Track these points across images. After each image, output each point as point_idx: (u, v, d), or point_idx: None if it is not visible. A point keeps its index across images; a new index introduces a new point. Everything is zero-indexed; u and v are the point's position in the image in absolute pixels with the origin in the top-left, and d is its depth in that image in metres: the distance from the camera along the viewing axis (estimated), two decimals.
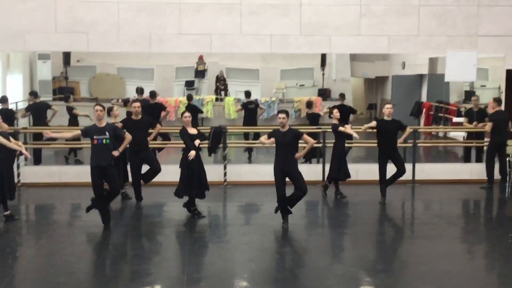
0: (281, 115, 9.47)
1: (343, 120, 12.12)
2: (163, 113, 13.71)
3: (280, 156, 9.48)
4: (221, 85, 22.59)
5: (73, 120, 14.50)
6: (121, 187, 10.91)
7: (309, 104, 14.58)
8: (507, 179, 12.78)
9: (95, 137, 9.22)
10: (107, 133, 9.25)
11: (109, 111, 10.76)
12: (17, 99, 17.13)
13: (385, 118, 10.96)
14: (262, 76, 23.37)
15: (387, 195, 11.13)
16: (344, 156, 11.66)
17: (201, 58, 22.08)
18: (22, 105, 16.55)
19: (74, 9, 12.51)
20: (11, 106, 14.51)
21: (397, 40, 13.11)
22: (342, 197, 11.62)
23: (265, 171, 11.20)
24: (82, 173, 11.50)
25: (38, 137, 13.32)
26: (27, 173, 12.65)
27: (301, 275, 7.71)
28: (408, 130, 11.17)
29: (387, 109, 10.88)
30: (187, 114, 10.15)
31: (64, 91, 19.48)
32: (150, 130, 11.21)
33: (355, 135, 11.07)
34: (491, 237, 9.63)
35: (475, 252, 8.89)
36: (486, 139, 13.16)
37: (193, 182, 9.98)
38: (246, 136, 15.41)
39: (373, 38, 13.07)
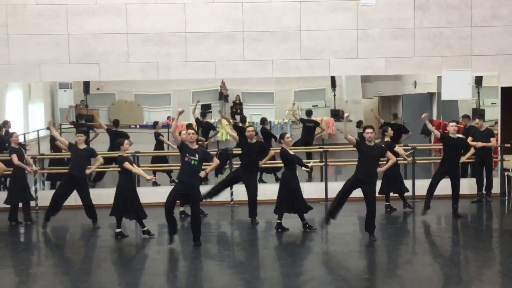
0: (369, 130, 10.08)
1: (395, 139, 12.59)
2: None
3: (363, 168, 10.07)
4: (237, 110, 23.27)
5: (159, 146, 15.44)
6: None
7: (359, 124, 15.02)
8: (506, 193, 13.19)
9: (187, 154, 9.89)
10: (197, 155, 9.92)
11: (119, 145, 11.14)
12: (39, 127, 17.95)
13: (367, 142, 10.26)
14: (276, 99, 24.01)
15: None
16: (399, 172, 12.45)
17: (223, 83, 22.87)
18: (44, 133, 17.36)
19: (86, 41, 13.30)
20: (33, 134, 15.34)
21: (394, 62, 13.63)
22: (411, 208, 12.52)
23: (270, 190, 11.95)
24: (97, 195, 12.19)
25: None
26: (44, 196, 13.31)
27: None
28: (392, 160, 10.49)
29: (367, 133, 10.18)
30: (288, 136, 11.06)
31: (84, 119, 20.30)
32: None
33: (408, 159, 12.14)
34: None
35: None
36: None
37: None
38: None
39: (371, 60, 13.62)
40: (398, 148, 12.12)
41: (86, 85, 21.26)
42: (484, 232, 11.63)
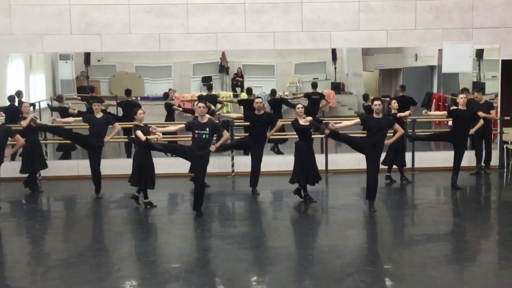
0: (377, 102, 10.16)
1: (403, 111, 12.64)
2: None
3: (371, 140, 10.15)
4: (238, 82, 23.29)
5: (170, 117, 15.48)
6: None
7: (365, 97, 15.07)
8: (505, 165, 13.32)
9: (196, 131, 9.94)
10: (207, 129, 9.94)
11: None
12: (40, 98, 17.99)
13: (374, 114, 10.37)
14: (277, 71, 24.01)
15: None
16: (403, 144, 12.48)
17: (223, 54, 22.82)
18: (44, 104, 17.44)
19: (88, 12, 13.31)
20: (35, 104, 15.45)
21: (395, 34, 13.66)
22: (408, 181, 12.58)
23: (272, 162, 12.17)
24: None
25: None
26: (53, 166, 13.41)
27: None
28: (400, 132, 10.72)
29: (375, 105, 10.26)
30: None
31: (85, 90, 20.37)
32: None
33: (407, 113, 12.14)
34: None
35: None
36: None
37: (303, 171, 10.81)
38: None
39: (372, 32, 13.64)
40: (399, 114, 12.11)
41: (87, 56, 21.26)
42: (483, 203, 11.77)
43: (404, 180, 12.64)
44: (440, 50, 20.11)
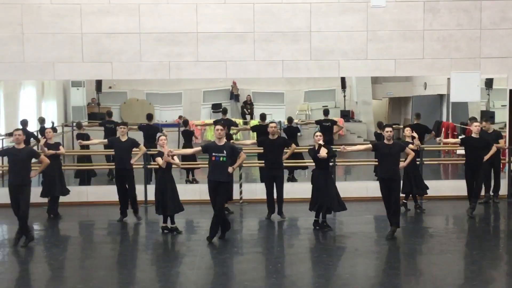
0: (388, 129, 10.35)
1: (419, 140, 12.71)
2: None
3: (385, 167, 10.36)
4: (247, 109, 23.48)
5: (188, 144, 15.57)
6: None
7: (380, 125, 15.18)
8: None
9: (213, 154, 9.99)
10: (224, 151, 9.99)
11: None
12: (51, 124, 18.17)
13: (385, 141, 10.48)
14: (287, 99, 24.19)
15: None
16: (418, 171, 12.54)
17: (234, 83, 23.08)
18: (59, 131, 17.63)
19: (99, 40, 13.49)
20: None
21: (403, 63, 13.74)
22: (421, 210, 12.52)
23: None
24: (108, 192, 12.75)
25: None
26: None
27: None
28: (411, 155, 10.90)
29: (387, 132, 10.42)
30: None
31: (96, 116, 20.61)
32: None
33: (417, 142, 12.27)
34: None
35: None
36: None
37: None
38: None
39: (380, 61, 13.73)
40: (411, 146, 12.16)
41: (99, 83, 21.56)
42: (491, 233, 11.72)
43: (418, 208, 12.64)
44: (449, 79, 20.31)
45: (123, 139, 11.79)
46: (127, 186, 11.84)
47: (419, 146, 12.66)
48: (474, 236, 11.18)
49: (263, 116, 15.54)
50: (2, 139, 15.25)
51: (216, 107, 23.15)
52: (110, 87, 22.29)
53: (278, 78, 17.68)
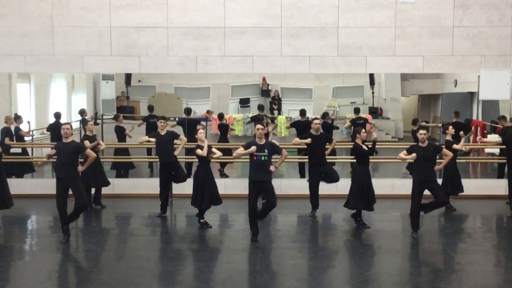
0: (422, 132, 10.27)
1: (456, 137, 12.67)
2: None
3: (421, 170, 10.26)
4: (275, 105, 23.46)
5: (223, 138, 15.77)
6: None
7: (415, 122, 15.12)
8: None
9: (255, 153, 9.81)
10: (266, 150, 9.83)
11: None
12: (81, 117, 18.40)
13: (420, 143, 10.41)
14: (315, 95, 24.08)
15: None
16: (457, 171, 12.48)
17: (264, 79, 23.08)
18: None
19: (127, 34, 13.61)
20: (76, 124, 15.82)
21: (432, 60, 13.59)
22: (453, 209, 12.44)
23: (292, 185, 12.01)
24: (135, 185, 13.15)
25: None
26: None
27: None
28: (448, 157, 10.80)
29: (420, 134, 10.38)
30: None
31: (125, 110, 20.78)
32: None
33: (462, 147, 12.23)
34: None
35: None
36: None
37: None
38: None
39: (408, 58, 13.60)
40: (457, 146, 12.09)
41: (128, 77, 21.71)
42: None
43: (449, 207, 12.51)
44: (479, 77, 20.03)
45: (163, 133, 11.94)
46: (176, 176, 11.97)
47: (464, 146, 12.53)
48: (500, 236, 11.05)
49: (303, 112, 15.50)
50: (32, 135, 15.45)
51: (244, 102, 23.19)
52: (139, 81, 22.43)
53: (306, 74, 17.64)
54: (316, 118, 12.37)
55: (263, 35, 13.61)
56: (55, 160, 10.29)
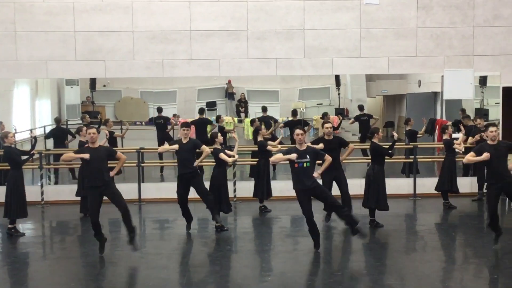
0: (493, 129, 9.36)
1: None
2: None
3: (496, 170, 9.38)
4: (241, 107, 23.46)
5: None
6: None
7: (406, 121, 15.19)
8: None
9: (296, 160, 9.14)
10: (307, 156, 9.20)
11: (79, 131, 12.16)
12: (45, 123, 18.14)
13: (489, 142, 9.54)
14: (281, 97, 24.13)
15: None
16: (454, 170, 12.60)
17: (229, 82, 23.05)
18: (50, 129, 17.55)
19: (92, 39, 13.49)
20: (40, 130, 15.59)
21: (397, 61, 13.79)
22: (452, 207, 12.54)
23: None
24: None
25: None
26: (50, 191, 13.56)
27: None
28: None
29: (491, 132, 9.45)
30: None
31: (91, 115, 20.52)
32: None
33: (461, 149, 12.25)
34: None
35: None
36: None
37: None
38: None
39: (374, 59, 13.77)
40: (456, 145, 12.30)
41: (93, 82, 21.43)
42: (484, 230, 11.72)
43: (449, 205, 12.68)
44: (443, 77, 20.33)
45: (185, 141, 10.93)
46: (197, 191, 10.97)
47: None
48: (467, 233, 11.22)
49: (294, 112, 15.48)
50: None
51: (210, 105, 23.10)
52: (104, 86, 22.13)
53: (272, 76, 17.57)
54: (327, 122, 11.65)
55: (230, 38, 13.62)
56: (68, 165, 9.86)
